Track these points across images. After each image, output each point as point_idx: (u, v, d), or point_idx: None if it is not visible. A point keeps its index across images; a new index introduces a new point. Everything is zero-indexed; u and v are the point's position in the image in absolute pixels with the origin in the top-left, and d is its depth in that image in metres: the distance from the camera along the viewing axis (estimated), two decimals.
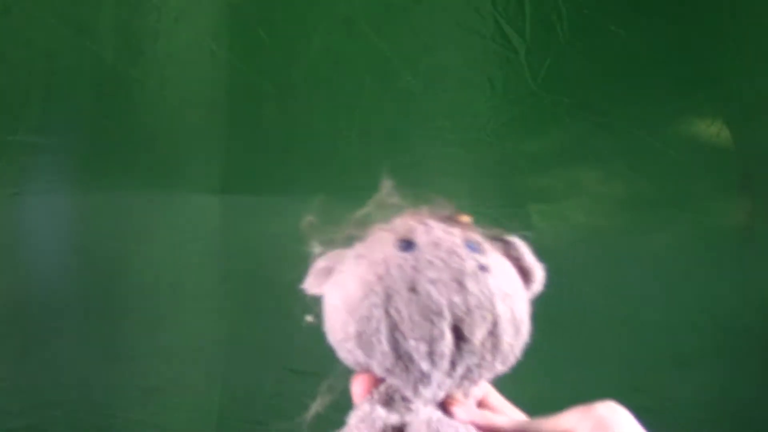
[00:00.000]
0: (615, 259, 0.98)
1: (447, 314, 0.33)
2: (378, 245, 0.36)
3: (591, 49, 0.96)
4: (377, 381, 0.35)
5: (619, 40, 0.95)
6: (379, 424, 0.33)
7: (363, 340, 0.34)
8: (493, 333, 0.34)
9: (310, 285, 0.38)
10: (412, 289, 0.34)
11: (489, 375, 0.35)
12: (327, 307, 0.37)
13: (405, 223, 0.37)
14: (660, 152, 0.96)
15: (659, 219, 0.98)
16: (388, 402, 0.35)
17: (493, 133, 0.96)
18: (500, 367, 0.35)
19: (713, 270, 0.97)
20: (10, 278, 0.97)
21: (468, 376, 0.34)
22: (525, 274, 0.38)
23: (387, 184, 0.39)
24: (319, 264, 0.38)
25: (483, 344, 0.34)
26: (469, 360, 0.34)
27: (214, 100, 0.96)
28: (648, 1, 0.97)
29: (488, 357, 0.34)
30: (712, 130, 0.97)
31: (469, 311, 0.33)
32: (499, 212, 0.91)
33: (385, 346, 0.33)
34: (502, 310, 0.34)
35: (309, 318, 0.37)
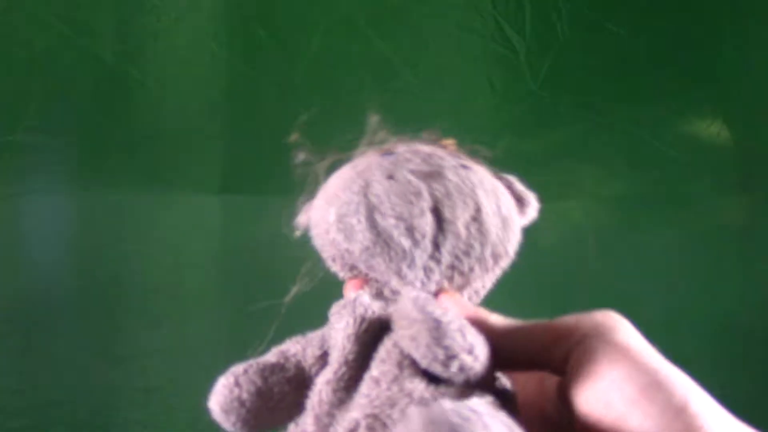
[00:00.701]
0: (615, 259, 0.98)
1: (426, 195, 0.32)
2: (361, 158, 0.37)
3: (591, 49, 0.96)
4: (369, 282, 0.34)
5: (619, 39, 0.95)
6: (360, 310, 0.32)
7: (342, 223, 0.33)
8: (477, 219, 0.33)
9: (300, 219, 0.38)
10: (391, 177, 0.33)
11: (483, 271, 0.34)
12: (312, 211, 0.37)
13: (390, 144, 0.37)
14: (660, 152, 0.96)
15: (659, 218, 0.98)
16: (378, 296, 0.33)
17: (493, 133, 0.96)
18: (492, 263, 0.34)
19: (713, 270, 0.97)
20: (10, 278, 0.97)
21: (457, 267, 0.33)
22: (518, 203, 0.37)
23: (374, 120, 0.39)
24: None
25: (467, 228, 0.32)
26: (454, 243, 0.32)
27: (214, 100, 0.96)
28: (648, 0, 0.97)
29: (476, 245, 0.33)
30: (712, 130, 0.97)
31: (448, 194, 0.33)
32: None
33: (364, 224, 0.32)
34: (485, 200, 0.34)
35: (297, 232, 0.37)
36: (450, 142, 0.39)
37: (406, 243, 0.32)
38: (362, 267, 0.34)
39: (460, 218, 0.32)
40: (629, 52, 0.96)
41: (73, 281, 0.97)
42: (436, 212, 0.32)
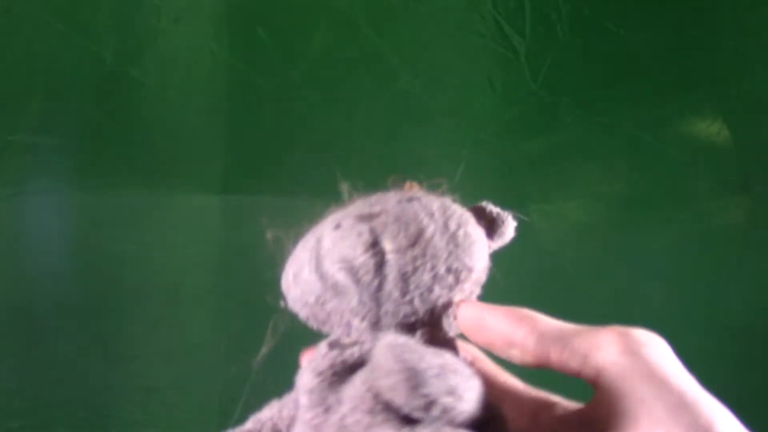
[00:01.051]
0: (615, 259, 0.98)
1: (366, 234, 0.33)
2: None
3: (591, 49, 0.96)
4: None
5: (619, 39, 0.95)
6: (325, 362, 0.32)
7: (297, 279, 0.35)
8: (419, 241, 0.33)
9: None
10: (338, 226, 0.35)
11: (446, 290, 0.34)
12: (282, 279, 0.38)
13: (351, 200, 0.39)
14: (660, 152, 0.96)
15: (659, 219, 0.98)
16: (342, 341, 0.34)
17: (493, 133, 0.96)
18: (453, 281, 0.34)
19: (713, 270, 0.97)
20: (10, 278, 0.97)
21: (411, 291, 0.33)
22: (491, 225, 0.38)
23: (344, 188, 0.41)
24: None
25: (409, 252, 0.33)
26: (400, 269, 0.33)
27: (214, 100, 0.96)
28: (648, 0, 0.97)
29: (425, 265, 0.33)
30: (712, 130, 0.97)
31: (387, 227, 0.33)
32: None
33: (314, 275, 0.34)
34: (427, 221, 0.34)
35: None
36: (411, 184, 0.40)
37: (349, 282, 0.33)
38: (321, 316, 0.35)
39: (399, 244, 0.33)
40: (629, 52, 0.96)
41: (73, 281, 0.97)
42: (376, 246, 0.33)
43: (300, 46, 0.95)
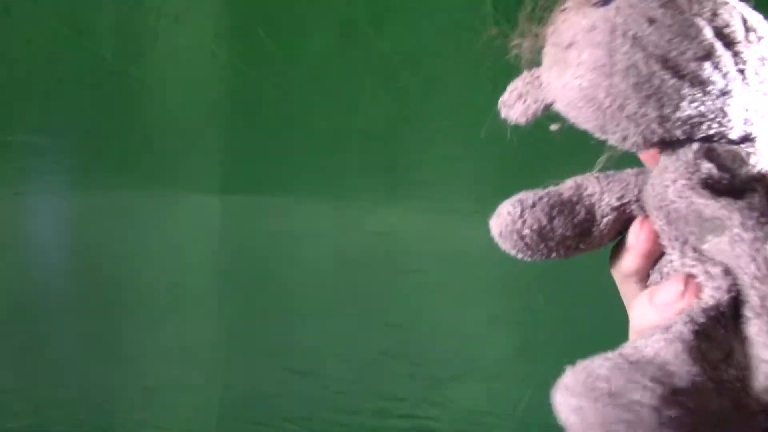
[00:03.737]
0: None
1: (701, 23, 0.28)
2: (569, 25, 0.31)
3: None
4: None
5: None
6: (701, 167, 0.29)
7: (640, 88, 0.29)
8: (750, 29, 0.28)
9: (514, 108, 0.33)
10: (650, 20, 0.28)
11: None
12: (565, 89, 0.31)
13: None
14: None
15: None
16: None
17: (493, 133, 0.96)
18: None
19: None
20: (10, 278, 0.97)
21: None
22: None
23: None
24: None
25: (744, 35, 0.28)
26: (751, 50, 0.28)
27: (214, 100, 0.96)
28: None
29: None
30: None
31: (714, 17, 0.28)
32: None
33: (655, 65, 0.28)
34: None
35: (554, 126, 0.34)
36: None
37: (716, 77, 0.28)
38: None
39: (733, 25, 0.28)
40: None
41: (73, 281, 0.98)
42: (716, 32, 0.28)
43: (300, 46, 0.95)
